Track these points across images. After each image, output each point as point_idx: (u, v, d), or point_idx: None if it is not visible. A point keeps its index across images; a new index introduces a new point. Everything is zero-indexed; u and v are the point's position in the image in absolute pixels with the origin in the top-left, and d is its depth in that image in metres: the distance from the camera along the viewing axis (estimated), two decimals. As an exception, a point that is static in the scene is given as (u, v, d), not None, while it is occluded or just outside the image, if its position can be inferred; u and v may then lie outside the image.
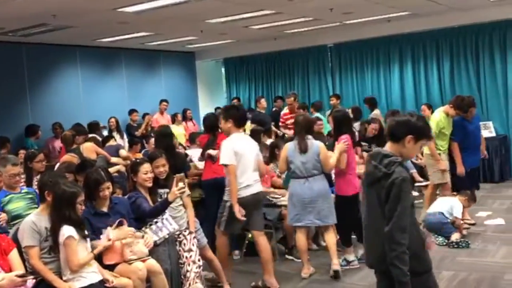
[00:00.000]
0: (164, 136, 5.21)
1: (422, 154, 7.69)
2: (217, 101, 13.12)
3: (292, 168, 4.96)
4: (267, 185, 5.77)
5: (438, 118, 6.28)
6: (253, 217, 4.75)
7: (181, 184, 4.07)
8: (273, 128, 8.98)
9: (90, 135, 7.56)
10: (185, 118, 11.17)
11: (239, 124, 4.78)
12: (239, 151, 4.68)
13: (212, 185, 5.47)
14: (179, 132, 10.91)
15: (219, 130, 5.93)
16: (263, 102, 9.73)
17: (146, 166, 4.26)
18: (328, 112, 9.85)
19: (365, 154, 7.20)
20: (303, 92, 12.35)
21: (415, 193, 7.70)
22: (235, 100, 12.05)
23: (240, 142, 4.73)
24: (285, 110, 8.90)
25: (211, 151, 5.61)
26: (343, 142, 4.99)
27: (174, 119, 10.92)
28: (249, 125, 9.35)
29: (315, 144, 4.90)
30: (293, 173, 4.96)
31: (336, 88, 12.10)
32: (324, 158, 4.87)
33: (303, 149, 4.87)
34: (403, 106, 11.03)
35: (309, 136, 4.93)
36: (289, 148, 4.97)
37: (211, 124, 5.86)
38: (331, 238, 4.98)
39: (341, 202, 5.09)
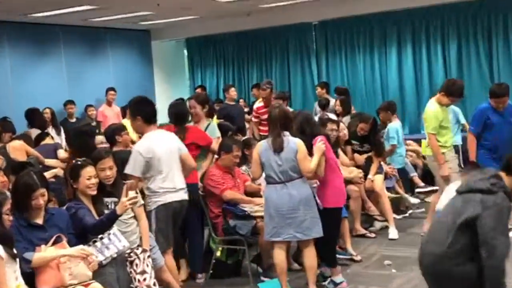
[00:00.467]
0: (80, 135, 5.24)
1: (424, 157, 7.84)
2: (179, 90, 13.05)
3: (266, 171, 4.99)
4: (239, 190, 5.80)
5: (435, 109, 6.31)
6: (172, 231, 4.98)
7: (132, 193, 4.04)
8: (253, 124, 8.91)
9: (29, 130, 7.45)
10: None
11: (150, 120, 4.91)
12: (155, 155, 4.82)
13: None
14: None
15: (189, 121, 5.99)
16: (233, 92, 9.74)
17: (89, 170, 4.22)
18: (316, 105, 9.92)
19: (357, 156, 7.30)
20: (282, 80, 12.45)
21: (414, 200, 7.83)
22: (198, 90, 12.04)
23: (155, 143, 4.85)
24: (259, 103, 8.87)
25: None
26: (319, 141, 5.05)
27: (125, 112, 10.89)
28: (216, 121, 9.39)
29: (291, 142, 4.92)
30: (268, 177, 4.98)
31: (322, 74, 12.21)
32: (302, 159, 4.89)
33: (277, 148, 4.89)
34: (401, 96, 11.22)
35: (286, 133, 4.96)
36: (261, 148, 5.00)
37: (178, 113, 5.84)
38: (310, 258, 5.01)
39: (328, 216, 5.13)
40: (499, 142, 6.36)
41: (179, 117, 5.79)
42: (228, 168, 5.77)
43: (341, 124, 7.25)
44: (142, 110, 4.92)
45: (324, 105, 9.32)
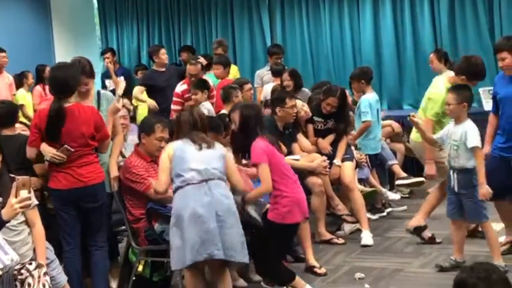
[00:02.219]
0: None
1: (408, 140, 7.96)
2: (86, 54, 12.82)
3: (178, 169, 5.05)
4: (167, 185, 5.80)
5: (444, 91, 6.40)
6: None
7: (24, 193, 3.98)
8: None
9: None
10: (41, 80, 10.95)
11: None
12: None
13: (65, 198, 5.38)
14: (29, 101, 10.69)
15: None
16: (163, 55, 9.68)
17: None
18: (261, 74, 9.97)
19: (321, 142, 7.36)
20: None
21: (394, 196, 7.96)
22: (108, 54, 11.95)
23: None
24: (182, 85, 8.64)
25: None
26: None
27: (21, 81, 10.73)
28: (138, 92, 9.35)
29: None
30: (180, 176, 5.05)
31: (277, 35, 12.25)
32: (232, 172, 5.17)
33: (202, 144, 5.09)
34: (378, 63, 11.33)
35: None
36: (175, 146, 5.13)
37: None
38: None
39: (276, 232, 5.37)
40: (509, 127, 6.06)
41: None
42: (152, 156, 5.77)
43: (299, 102, 7.31)
44: None
45: (280, 73, 9.33)
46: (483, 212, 5.79)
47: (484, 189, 5.63)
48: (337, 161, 7.21)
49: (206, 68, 9.29)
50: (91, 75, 5.73)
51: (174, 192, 5.02)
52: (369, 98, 7.81)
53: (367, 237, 6.96)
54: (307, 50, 11.90)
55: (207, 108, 7.63)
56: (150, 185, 5.51)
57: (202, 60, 8.90)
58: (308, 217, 6.35)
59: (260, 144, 5.38)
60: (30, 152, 5.33)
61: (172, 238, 4.92)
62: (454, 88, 5.99)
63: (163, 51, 9.68)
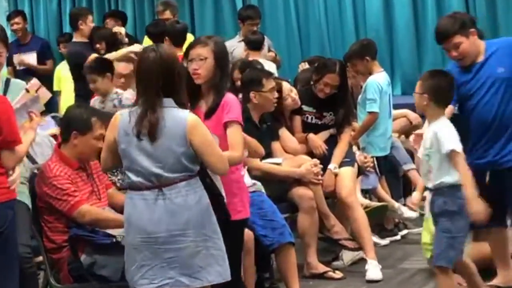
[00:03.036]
0: None
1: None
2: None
3: (125, 169, 5.05)
4: (100, 202, 5.78)
5: None
6: None
7: None
8: None
9: None
10: None
11: None
12: None
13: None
14: None
15: None
16: (90, 21, 9.69)
17: None
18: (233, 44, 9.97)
19: (312, 137, 7.39)
20: (181, 7, 12.39)
21: (410, 213, 7.93)
22: (17, 19, 11.89)
23: None
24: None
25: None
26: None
27: None
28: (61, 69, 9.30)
29: (176, 117, 4.96)
30: (129, 180, 5.03)
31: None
32: (203, 144, 4.98)
33: (148, 131, 4.95)
34: (389, 37, 11.38)
35: (168, 100, 4.97)
36: (119, 124, 5.03)
37: None
38: None
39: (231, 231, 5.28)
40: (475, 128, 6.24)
41: None
42: (84, 160, 5.79)
43: (286, 85, 7.31)
44: None
45: (257, 44, 9.29)
46: (450, 254, 5.65)
47: (476, 206, 5.50)
48: (333, 166, 7.22)
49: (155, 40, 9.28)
50: (4, 41, 5.63)
51: None
52: (379, 80, 7.85)
53: (373, 270, 6.95)
54: (292, 15, 11.91)
55: (125, 97, 7.47)
56: (77, 204, 5.54)
57: (119, 29, 8.90)
58: (293, 242, 6.36)
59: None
60: None
61: None
62: (425, 73, 6.07)
63: (90, 18, 9.69)
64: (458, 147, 5.51)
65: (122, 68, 7.85)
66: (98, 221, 5.62)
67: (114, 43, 9.34)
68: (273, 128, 7.15)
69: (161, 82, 4.89)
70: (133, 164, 4.96)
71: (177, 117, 4.92)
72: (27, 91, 5.49)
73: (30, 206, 5.61)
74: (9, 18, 12.45)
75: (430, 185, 5.65)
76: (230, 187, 5.28)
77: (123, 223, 5.48)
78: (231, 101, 5.41)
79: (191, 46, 5.44)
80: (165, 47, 5.34)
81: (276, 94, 6.89)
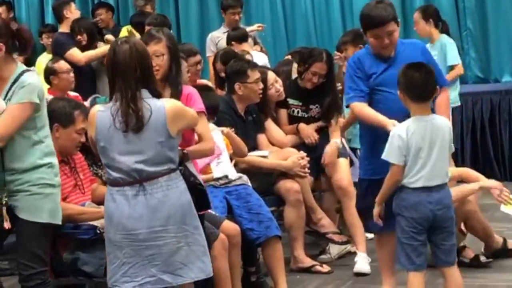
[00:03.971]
0: None
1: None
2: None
3: (105, 163, 5.03)
4: (84, 195, 5.76)
5: None
6: None
7: None
8: None
9: None
10: None
11: None
12: None
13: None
14: None
15: None
16: (74, 10, 9.64)
17: None
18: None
19: (304, 127, 7.40)
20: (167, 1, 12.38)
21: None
22: (1, 9, 11.77)
23: None
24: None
25: None
26: None
27: None
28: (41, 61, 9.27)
29: (155, 107, 4.92)
30: (109, 176, 5.02)
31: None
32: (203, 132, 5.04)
33: (131, 124, 4.90)
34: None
35: (144, 93, 4.94)
36: (99, 119, 4.99)
37: None
38: None
39: None
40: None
41: None
42: (66, 154, 5.77)
43: (271, 74, 7.29)
44: None
45: (240, 36, 9.26)
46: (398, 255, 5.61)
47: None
48: (337, 140, 7.25)
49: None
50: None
51: None
52: None
53: (362, 262, 6.94)
54: (278, 6, 11.91)
55: None
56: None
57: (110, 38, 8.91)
58: (280, 236, 6.34)
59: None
60: None
61: None
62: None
63: (74, 6, 9.64)
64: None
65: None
66: (71, 216, 5.57)
67: (94, 35, 9.33)
68: (259, 120, 7.14)
69: (138, 74, 4.89)
70: (113, 162, 4.96)
71: (156, 107, 4.90)
72: None
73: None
74: None
75: None
76: None
77: (94, 216, 5.65)
78: (194, 92, 5.46)
79: (144, 43, 5.25)
80: (136, 39, 5.36)
81: (261, 85, 6.87)
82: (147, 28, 9.14)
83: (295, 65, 7.87)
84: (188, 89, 5.43)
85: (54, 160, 5.23)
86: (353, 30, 8.67)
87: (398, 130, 5.37)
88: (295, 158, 6.88)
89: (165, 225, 4.90)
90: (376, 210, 5.49)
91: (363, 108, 5.94)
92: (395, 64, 5.92)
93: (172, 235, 4.91)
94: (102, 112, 4.95)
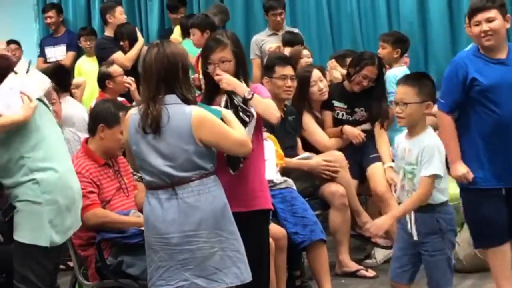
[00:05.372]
0: None
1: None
2: (16, 10, 12.98)
3: (140, 170, 5.08)
4: (128, 198, 5.87)
5: None
6: None
7: None
8: None
9: None
10: None
11: None
12: None
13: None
14: None
15: None
16: (120, 13, 9.69)
17: None
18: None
19: (349, 129, 7.38)
20: None
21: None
22: (50, 13, 11.89)
23: None
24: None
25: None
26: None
27: None
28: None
29: (180, 113, 4.96)
30: (145, 181, 5.07)
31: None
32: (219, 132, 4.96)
33: (151, 126, 4.91)
34: (421, 21, 11.31)
35: (171, 97, 4.95)
36: (130, 124, 5.03)
37: None
38: None
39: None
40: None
41: None
42: (110, 155, 5.85)
43: (316, 72, 7.30)
44: None
45: (292, 42, 9.25)
46: (448, 276, 5.42)
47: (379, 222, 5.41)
48: (390, 164, 7.10)
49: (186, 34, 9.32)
50: None
51: None
52: (396, 73, 7.83)
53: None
54: (323, 8, 11.84)
55: None
56: (93, 205, 5.62)
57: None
58: (325, 240, 6.34)
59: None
60: None
61: None
62: (410, 78, 5.64)
63: (120, 9, 9.68)
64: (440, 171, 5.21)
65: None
66: (105, 224, 5.67)
67: (135, 41, 9.43)
68: (297, 123, 7.16)
69: (162, 77, 4.90)
70: (145, 164, 4.99)
71: (182, 113, 4.90)
72: (15, 72, 5.38)
73: None
74: (44, 11, 12.40)
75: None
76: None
77: (131, 225, 5.73)
78: (260, 86, 5.54)
79: (210, 49, 5.30)
80: (171, 42, 5.35)
81: (289, 82, 6.82)
82: (192, 30, 9.25)
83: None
84: (253, 85, 5.45)
85: (42, 176, 5.16)
86: (399, 33, 8.69)
87: None
88: (320, 159, 6.90)
89: (197, 229, 4.91)
90: None
91: (450, 126, 5.66)
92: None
93: (204, 239, 4.92)
94: (134, 116, 4.99)
